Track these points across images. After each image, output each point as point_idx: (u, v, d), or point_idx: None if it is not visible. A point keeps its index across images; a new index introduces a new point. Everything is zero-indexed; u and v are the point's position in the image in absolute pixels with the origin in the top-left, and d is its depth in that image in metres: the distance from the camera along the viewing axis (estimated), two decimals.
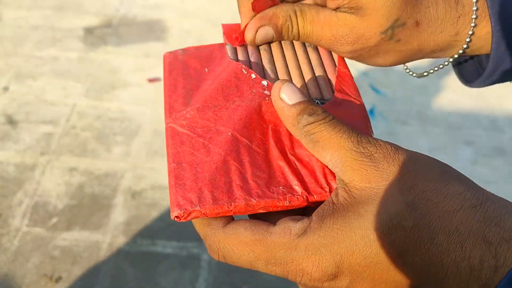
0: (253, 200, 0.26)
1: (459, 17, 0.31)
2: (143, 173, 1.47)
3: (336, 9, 0.32)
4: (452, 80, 1.92)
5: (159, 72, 1.86)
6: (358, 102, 0.30)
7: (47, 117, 1.62)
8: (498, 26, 0.30)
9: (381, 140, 0.25)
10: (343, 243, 0.22)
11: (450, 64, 0.35)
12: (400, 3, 0.30)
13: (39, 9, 2.12)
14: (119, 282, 1.20)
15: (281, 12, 0.32)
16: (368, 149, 0.24)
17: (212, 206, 0.26)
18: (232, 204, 0.26)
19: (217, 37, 2.09)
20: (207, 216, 0.26)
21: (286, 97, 0.27)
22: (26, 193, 1.38)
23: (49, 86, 1.74)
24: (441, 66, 0.35)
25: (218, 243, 0.25)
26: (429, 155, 0.25)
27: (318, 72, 0.33)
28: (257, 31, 0.32)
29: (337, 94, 0.30)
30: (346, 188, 0.24)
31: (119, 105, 1.71)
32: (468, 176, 0.24)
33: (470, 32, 0.31)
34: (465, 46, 0.32)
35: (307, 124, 0.26)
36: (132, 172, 1.47)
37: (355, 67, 1.85)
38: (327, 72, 0.33)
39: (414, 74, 0.37)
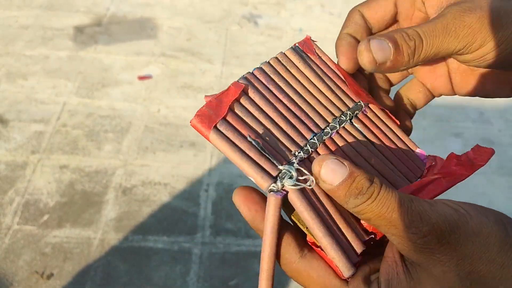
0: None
1: None
2: (134, 169, 1.48)
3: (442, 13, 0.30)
4: None
5: (150, 70, 1.87)
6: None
7: (38, 115, 1.63)
8: None
9: (435, 212, 0.24)
10: None
11: None
12: None
13: (29, 8, 2.12)
14: (111, 277, 1.21)
15: (395, 32, 0.29)
16: (421, 230, 0.24)
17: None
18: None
19: (207, 34, 2.10)
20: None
21: (328, 178, 0.25)
22: (17, 191, 1.38)
23: (39, 85, 1.75)
24: None
25: (291, 271, 0.27)
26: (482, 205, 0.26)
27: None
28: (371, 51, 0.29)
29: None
30: (410, 265, 0.25)
31: (109, 102, 1.71)
32: None
33: None
34: None
35: (354, 207, 0.25)
36: (123, 169, 1.48)
37: None
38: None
39: None
